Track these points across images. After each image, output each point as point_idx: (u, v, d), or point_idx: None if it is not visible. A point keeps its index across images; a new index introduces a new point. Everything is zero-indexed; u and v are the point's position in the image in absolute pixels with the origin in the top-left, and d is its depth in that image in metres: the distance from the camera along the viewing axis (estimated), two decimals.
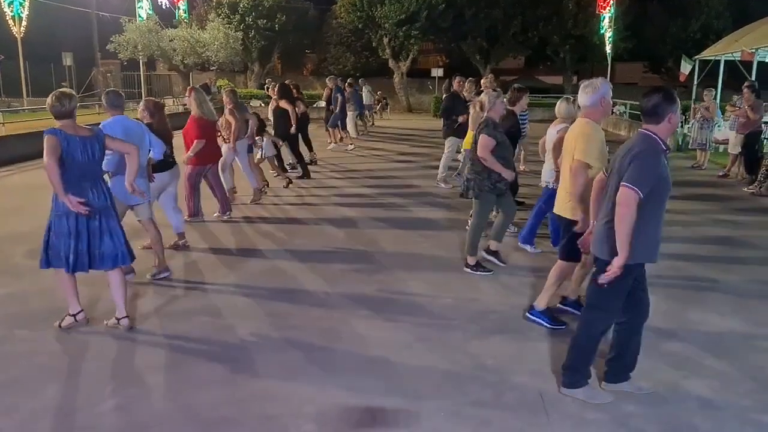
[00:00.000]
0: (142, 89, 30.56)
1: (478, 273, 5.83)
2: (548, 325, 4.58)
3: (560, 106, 6.15)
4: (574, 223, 4.37)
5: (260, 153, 9.81)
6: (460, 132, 9.44)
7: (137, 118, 5.83)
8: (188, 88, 8.26)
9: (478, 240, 5.93)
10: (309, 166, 11.59)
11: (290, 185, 10.23)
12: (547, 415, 3.43)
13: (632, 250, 3.19)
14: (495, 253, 6.12)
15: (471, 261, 5.92)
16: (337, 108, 15.12)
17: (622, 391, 3.64)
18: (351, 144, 15.54)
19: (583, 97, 4.32)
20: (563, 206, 4.59)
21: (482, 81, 11.96)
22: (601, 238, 3.44)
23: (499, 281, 5.67)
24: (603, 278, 3.28)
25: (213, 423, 3.35)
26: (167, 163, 6.06)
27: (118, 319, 4.56)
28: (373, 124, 21.81)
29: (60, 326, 4.56)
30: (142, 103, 6.10)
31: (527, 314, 4.73)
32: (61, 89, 4.41)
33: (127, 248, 4.55)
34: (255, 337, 4.45)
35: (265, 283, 5.60)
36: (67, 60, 31.03)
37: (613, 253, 3.25)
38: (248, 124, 8.74)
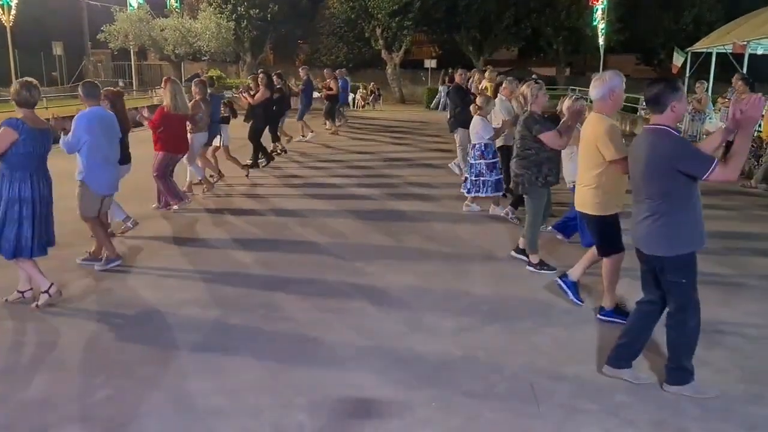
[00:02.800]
0: (133, 79, 30.35)
1: (543, 271, 5.56)
2: (622, 321, 4.30)
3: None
4: (601, 219, 4.35)
5: (219, 140, 9.60)
6: (466, 123, 9.34)
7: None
8: (165, 78, 8.14)
9: (537, 236, 5.68)
10: (277, 156, 12.05)
11: (249, 174, 10.07)
12: (538, 405, 3.45)
13: (693, 238, 3.41)
14: (525, 252, 5.90)
15: (534, 259, 5.65)
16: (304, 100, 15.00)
17: (620, 378, 3.67)
18: (312, 134, 15.27)
19: (593, 90, 4.28)
20: (587, 203, 4.43)
21: (485, 74, 11.88)
22: (647, 235, 3.45)
23: (491, 272, 5.68)
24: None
25: (205, 413, 3.35)
26: (124, 156, 6.10)
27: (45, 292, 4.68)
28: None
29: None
30: (101, 93, 6.07)
31: (599, 316, 4.59)
32: (26, 78, 4.51)
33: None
34: (245, 327, 4.44)
35: (255, 273, 5.59)
36: (57, 50, 30.76)
37: (666, 246, 3.37)
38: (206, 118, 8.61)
